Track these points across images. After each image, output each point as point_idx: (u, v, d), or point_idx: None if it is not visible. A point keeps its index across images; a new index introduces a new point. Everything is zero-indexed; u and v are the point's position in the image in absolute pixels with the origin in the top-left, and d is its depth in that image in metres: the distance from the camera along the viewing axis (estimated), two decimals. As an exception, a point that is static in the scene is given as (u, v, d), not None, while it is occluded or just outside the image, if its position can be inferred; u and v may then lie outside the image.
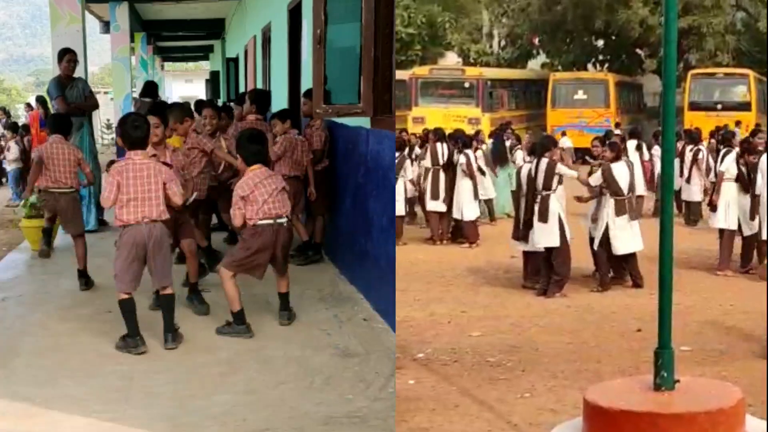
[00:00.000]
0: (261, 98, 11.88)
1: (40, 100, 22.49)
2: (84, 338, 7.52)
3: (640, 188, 14.45)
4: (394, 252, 7.94)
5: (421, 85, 31.09)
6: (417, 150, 16.37)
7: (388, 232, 8.14)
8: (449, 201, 14.34)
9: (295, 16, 13.14)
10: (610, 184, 10.57)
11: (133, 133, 7.35)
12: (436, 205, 14.44)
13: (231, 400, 6.04)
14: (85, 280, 9.28)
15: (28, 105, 29.45)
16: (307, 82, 10.71)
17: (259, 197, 7.58)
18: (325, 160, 10.50)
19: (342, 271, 9.90)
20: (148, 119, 7.68)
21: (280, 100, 14.30)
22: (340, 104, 8.57)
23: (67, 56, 12.14)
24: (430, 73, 31.97)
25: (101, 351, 7.16)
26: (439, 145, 14.61)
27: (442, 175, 14.40)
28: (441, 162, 14.44)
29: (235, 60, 26.51)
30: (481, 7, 42.90)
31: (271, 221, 7.60)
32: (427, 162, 14.70)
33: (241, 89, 23.58)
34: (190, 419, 5.74)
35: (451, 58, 41.62)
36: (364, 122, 8.80)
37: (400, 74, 28.27)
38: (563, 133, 28.86)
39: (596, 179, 10.75)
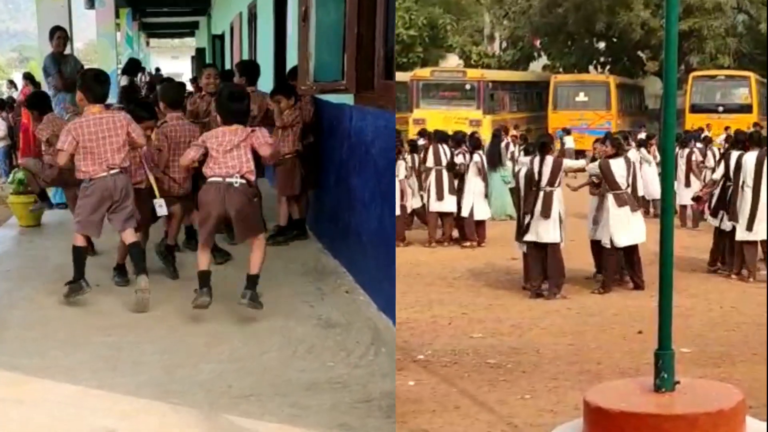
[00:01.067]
0: (250, 69, 11.57)
1: (28, 77, 22.33)
2: (71, 311, 7.61)
3: (640, 188, 14.49)
4: (381, 227, 7.85)
5: (423, 87, 31.07)
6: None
7: (369, 207, 8.13)
8: (458, 201, 14.36)
9: None
10: (607, 177, 10.57)
11: (97, 88, 7.72)
12: (440, 206, 14.41)
13: (217, 369, 6.19)
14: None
15: (11, 82, 29.23)
16: (292, 59, 10.66)
17: (214, 153, 7.27)
18: (310, 135, 10.34)
19: (325, 245, 9.88)
20: (108, 76, 8.07)
21: (266, 77, 14.30)
22: (324, 81, 8.64)
23: (57, 33, 12.26)
24: (431, 75, 31.96)
25: (88, 323, 7.28)
26: (440, 146, 14.61)
27: (445, 176, 14.37)
28: (444, 162, 14.41)
29: (221, 37, 26.20)
30: (483, 10, 42.92)
31: (219, 179, 7.25)
32: (429, 162, 14.65)
33: (228, 66, 23.31)
34: (177, 386, 5.87)
35: (453, 60, 41.60)
36: (348, 99, 8.85)
37: (402, 76, 28.30)
38: (568, 132, 28.86)
39: (593, 168, 10.77)
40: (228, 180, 7.23)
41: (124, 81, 16.12)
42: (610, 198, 10.56)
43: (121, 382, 5.96)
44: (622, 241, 10.52)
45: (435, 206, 14.44)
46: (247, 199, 7.31)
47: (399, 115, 26.80)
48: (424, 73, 32.48)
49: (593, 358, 7.86)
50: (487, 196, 14.50)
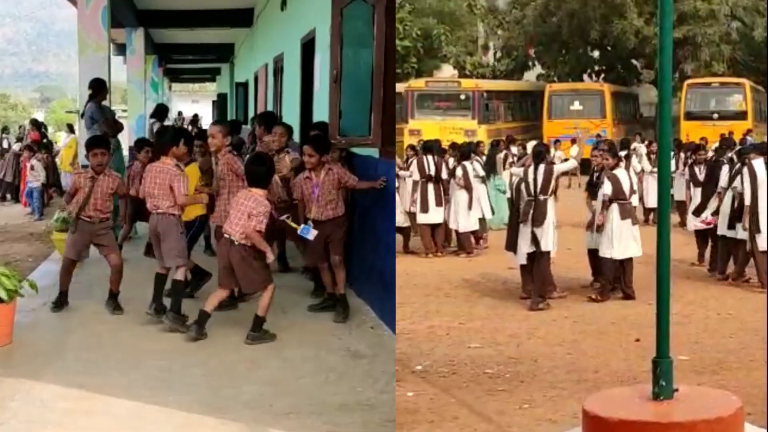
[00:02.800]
0: (269, 120, 12.03)
1: (34, 122, 23.38)
2: (123, 337, 8.35)
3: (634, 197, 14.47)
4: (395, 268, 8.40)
5: (417, 97, 31.12)
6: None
7: (392, 251, 8.77)
8: (446, 212, 14.38)
9: (308, 49, 13.66)
10: (617, 190, 10.56)
11: (159, 138, 9.17)
12: (426, 218, 14.41)
13: (258, 390, 6.82)
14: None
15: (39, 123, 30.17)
16: (318, 114, 11.17)
17: (231, 208, 8.33)
18: None
19: (351, 285, 10.17)
20: (177, 132, 9.35)
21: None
22: (352, 135, 9.46)
23: (105, 87, 13.34)
24: (426, 85, 32.00)
25: (140, 348, 7.99)
26: (425, 157, 14.59)
27: (431, 188, 14.36)
28: (427, 173, 14.39)
29: (245, 85, 27.11)
30: (477, 20, 42.95)
31: (227, 236, 8.18)
32: (415, 175, 14.65)
33: (251, 113, 24.42)
34: (223, 404, 6.52)
35: (447, 71, 41.63)
36: (373, 151, 9.61)
37: (397, 87, 28.35)
38: (573, 141, 28.89)
39: (608, 188, 10.63)
40: (229, 238, 8.15)
41: (156, 126, 17.04)
42: (615, 208, 10.52)
43: (173, 400, 6.57)
44: (618, 254, 10.52)
45: (421, 218, 14.47)
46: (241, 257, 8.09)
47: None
48: (418, 83, 32.52)
49: (591, 366, 7.86)
50: (471, 207, 14.44)
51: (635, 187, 11.52)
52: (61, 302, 9.32)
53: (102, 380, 6.98)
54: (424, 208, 14.35)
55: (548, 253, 10.43)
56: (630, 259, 10.62)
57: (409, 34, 37.85)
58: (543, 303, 10.26)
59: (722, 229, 11.67)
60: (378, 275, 9.19)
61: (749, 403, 5.67)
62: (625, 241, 10.53)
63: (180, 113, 41.60)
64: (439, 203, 14.33)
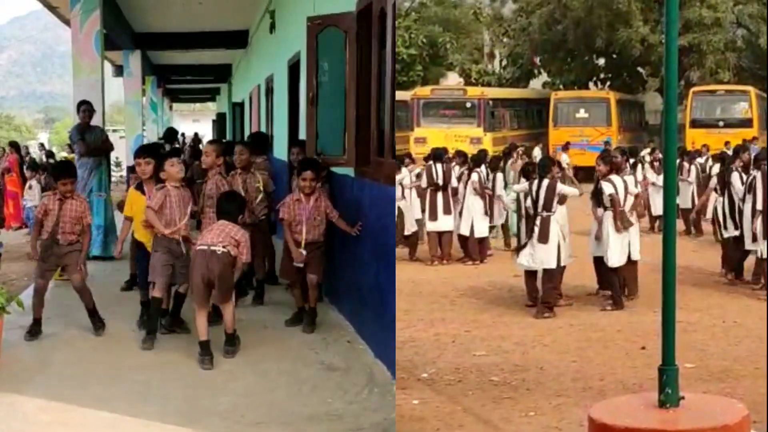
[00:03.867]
0: (258, 142, 12.07)
1: (13, 144, 23.47)
2: (106, 354, 8.41)
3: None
4: (378, 284, 8.32)
5: (423, 105, 31.13)
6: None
7: (368, 266, 8.77)
8: (457, 220, 14.42)
9: (294, 71, 13.93)
10: (603, 197, 10.61)
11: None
12: (435, 226, 14.44)
13: (232, 402, 6.95)
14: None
15: (42, 145, 30.09)
16: (303, 133, 11.35)
17: (207, 232, 8.36)
18: None
19: (331, 301, 10.29)
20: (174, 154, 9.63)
21: (281, 146, 15.04)
22: (328, 154, 9.86)
23: (83, 107, 13.36)
24: (431, 93, 32.03)
25: (122, 364, 8.02)
26: (433, 165, 14.60)
27: (439, 196, 14.39)
28: (435, 181, 14.42)
29: (241, 105, 27.53)
30: (482, 27, 43.06)
31: (204, 247, 8.10)
32: (423, 182, 14.68)
33: (246, 132, 24.84)
34: (198, 415, 6.65)
35: (453, 79, 41.72)
36: (350, 171, 9.73)
37: (402, 95, 28.42)
38: (566, 148, 28.87)
39: (607, 200, 10.70)
40: (212, 248, 8.10)
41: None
42: (608, 217, 10.57)
43: (150, 411, 6.68)
44: (614, 261, 10.55)
45: (430, 226, 14.50)
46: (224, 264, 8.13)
47: (399, 134, 26.85)
48: (424, 91, 32.55)
49: (597, 374, 7.86)
50: (486, 213, 14.49)
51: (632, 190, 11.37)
52: (35, 331, 8.96)
53: (83, 394, 7.10)
54: (433, 216, 14.37)
55: (554, 269, 10.44)
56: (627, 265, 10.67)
57: (414, 42, 37.96)
58: (549, 312, 10.26)
59: (748, 244, 11.64)
60: (356, 290, 9.26)
61: (755, 410, 5.66)
62: (613, 249, 10.56)
63: (183, 134, 42.11)
64: (447, 211, 14.33)
